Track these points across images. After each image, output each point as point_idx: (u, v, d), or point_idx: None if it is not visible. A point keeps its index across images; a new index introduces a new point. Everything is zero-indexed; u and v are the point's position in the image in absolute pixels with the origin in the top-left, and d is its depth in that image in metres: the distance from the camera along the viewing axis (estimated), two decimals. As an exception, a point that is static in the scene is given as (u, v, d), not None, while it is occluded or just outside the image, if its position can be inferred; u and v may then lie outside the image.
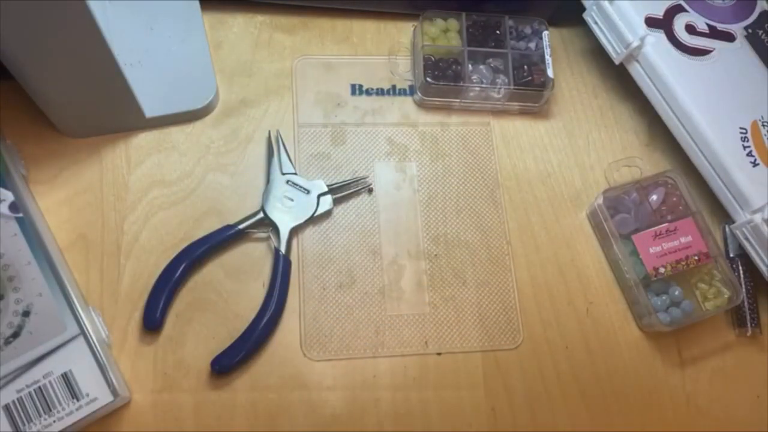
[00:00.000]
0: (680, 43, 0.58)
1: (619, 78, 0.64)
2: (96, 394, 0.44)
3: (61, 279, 0.46)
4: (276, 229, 0.53)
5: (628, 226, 0.56)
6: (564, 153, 0.62)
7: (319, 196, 0.55)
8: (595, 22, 0.59)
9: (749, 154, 0.56)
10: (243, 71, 0.60)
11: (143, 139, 0.56)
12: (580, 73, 0.65)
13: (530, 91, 0.60)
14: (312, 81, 0.60)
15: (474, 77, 0.60)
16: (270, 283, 0.52)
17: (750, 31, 0.61)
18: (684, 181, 0.57)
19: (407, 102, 0.61)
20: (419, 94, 0.60)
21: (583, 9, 0.60)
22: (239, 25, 0.62)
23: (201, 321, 0.51)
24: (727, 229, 0.59)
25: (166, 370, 0.49)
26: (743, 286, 0.57)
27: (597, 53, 0.64)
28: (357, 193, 0.57)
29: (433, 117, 0.61)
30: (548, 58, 0.61)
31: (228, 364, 0.49)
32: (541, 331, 0.54)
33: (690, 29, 0.59)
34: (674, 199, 0.57)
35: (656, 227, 0.55)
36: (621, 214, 0.57)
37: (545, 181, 0.60)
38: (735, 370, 0.56)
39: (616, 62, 0.59)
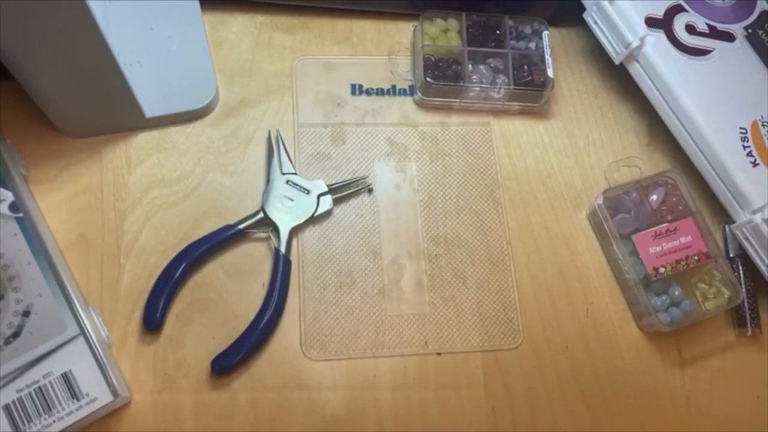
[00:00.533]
0: (680, 43, 0.58)
1: (619, 78, 0.64)
2: (96, 394, 0.44)
3: (61, 279, 0.46)
4: (276, 229, 0.53)
5: (628, 226, 0.56)
6: (564, 153, 0.62)
7: (319, 196, 0.55)
8: (595, 22, 0.59)
9: (749, 154, 0.56)
10: (243, 71, 0.60)
11: (143, 139, 0.56)
12: (580, 73, 0.65)
13: (530, 91, 0.60)
14: (312, 81, 0.60)
15: (474, 77, 0.60)
16: (270, 283, 0.52)
17: (750, 31, 0.61)
18: (684, 181, 0.57)
19: (407, 102, 0.61)
20: (419, 94, 0.60)
21: (583, 9, 0.60)
22: (239, 25, 0.62)
23: (201, 321, 0.51)
24: (727, 229, 0.59)
25: (166, 370, 0.49)
26: (743, 286, 0.57)
27: (597, 53, 0.64)
28: (357, 193, 0.57)
29: (433, 117, 0.61)
30: (548, 58, 0.61)
31: (228, 364, 0.49)
32: (541, 331, 0.54)
33: (690, 29, 0.59)
34: (674, 199, 0.57)
35: (656, 227, 0.55)
36: (621, 214, 0.57)
37: (545, 181, 0.60)
38: (735, 370, 0.56)
39: (616, 62, 0.59)
